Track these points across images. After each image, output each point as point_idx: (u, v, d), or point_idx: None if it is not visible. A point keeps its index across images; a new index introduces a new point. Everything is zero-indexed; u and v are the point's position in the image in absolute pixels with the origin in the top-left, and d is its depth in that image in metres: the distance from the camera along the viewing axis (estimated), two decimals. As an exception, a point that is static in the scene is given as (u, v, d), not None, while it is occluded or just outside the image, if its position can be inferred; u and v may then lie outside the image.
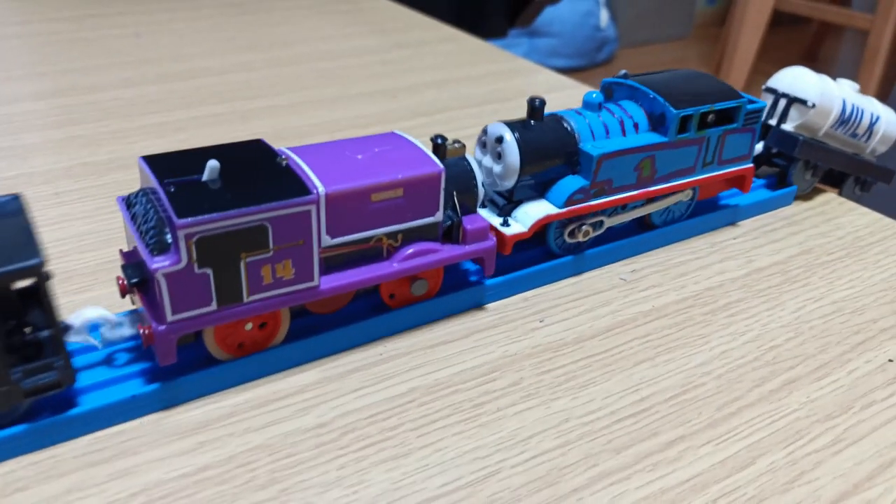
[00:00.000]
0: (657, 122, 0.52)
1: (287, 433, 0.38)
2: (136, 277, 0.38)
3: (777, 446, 0.39)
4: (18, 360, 0.35)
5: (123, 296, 0.40)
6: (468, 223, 0.45)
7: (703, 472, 0.37)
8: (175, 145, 0.68)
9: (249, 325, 0.41)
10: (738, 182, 0.58)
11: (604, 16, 2.48)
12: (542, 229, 0.50)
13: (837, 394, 0.42)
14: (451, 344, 0.45)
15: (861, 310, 0.50)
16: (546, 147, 0.49)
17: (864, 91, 0.68)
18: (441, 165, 0.43)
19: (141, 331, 0.37)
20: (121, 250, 0.42)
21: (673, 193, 0.55)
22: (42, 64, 0.90)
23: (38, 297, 0.34)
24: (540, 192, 0.50)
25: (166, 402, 0.39)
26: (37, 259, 0.33)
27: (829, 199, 0.65)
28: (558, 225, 0.50)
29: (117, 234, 0.55)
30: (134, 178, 0.64)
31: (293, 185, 0.38)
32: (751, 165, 0.58)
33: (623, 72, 0.55)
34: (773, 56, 2.47)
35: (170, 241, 0.36)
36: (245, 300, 0.39)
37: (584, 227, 0.51)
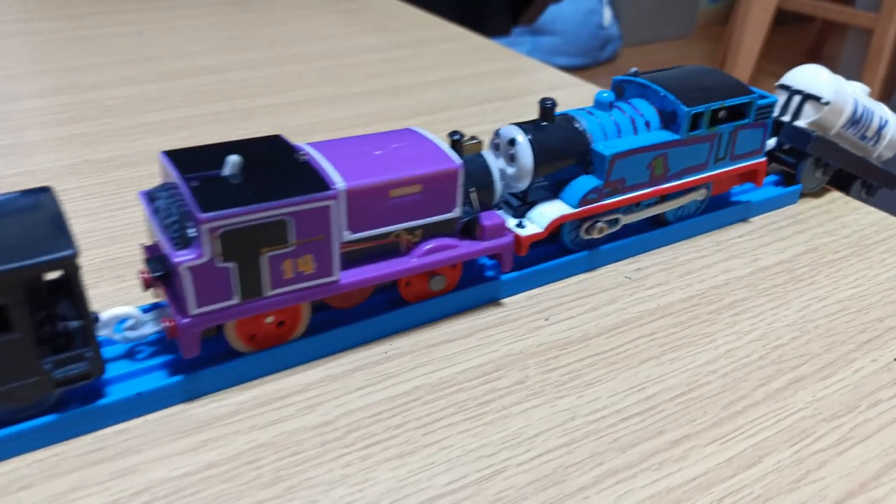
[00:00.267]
0: (669, 120, 0.52)
1: (292, 431, 0.38)
2: (160, 271, 0.39)
3: (783, 445, 0.38)
4: (48, 351, 0.35)
5: (146, 289, 0.40)
6: (486, 219, 0.45)
7: (708, 471, 0.37)
8: (176, 143, 0.68)
9: (270, 319, 0.41)
10: (752, 176, 0.58)
11: (607, 14, 2.48)
12: (556, 227, 0.50)
13: (843, 393, 0.42)
14: (455, 342, 0.45)
15: (867, 309, 0.50)
16: (558, 148, 0.49)
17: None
18: (459, 161, 0.43)
19: (164, 324, 0.38)
20: (142, 244, 0.42)
21: (688, 192, 0.55)
22: (43, 62, 0.90)
23: (69, 288, 0.35)
24: (553, 192, 0.51)
25: (190, 394, 0.40)
26: (70, 250, 0.33)
27: (835, 198, 0.64)
28: (573, 223, 0.51)
29: (120, 232, 0.55)
30: (136, 176, 0.64)
31: (313, 180, 0.39)
32: (763, 160, 0.58)
33: (634, 69, 0.55)
34: (776, 55, 2.47)
35: (192, 235, 0.36)
36: (266, 294, 0.39)
37: (599, 224, 0.51)
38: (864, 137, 0.63)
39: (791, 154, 0.63)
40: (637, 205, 0.53)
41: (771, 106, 0.56)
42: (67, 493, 0.34)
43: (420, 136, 0.46)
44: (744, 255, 0.55)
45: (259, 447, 0.37)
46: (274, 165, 0.40)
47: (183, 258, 0.36)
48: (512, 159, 0.48)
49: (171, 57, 0.94)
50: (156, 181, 0.62)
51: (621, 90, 0.55)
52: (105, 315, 0.38)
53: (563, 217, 0.49)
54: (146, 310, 0.42)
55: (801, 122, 0.61)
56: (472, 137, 0.47)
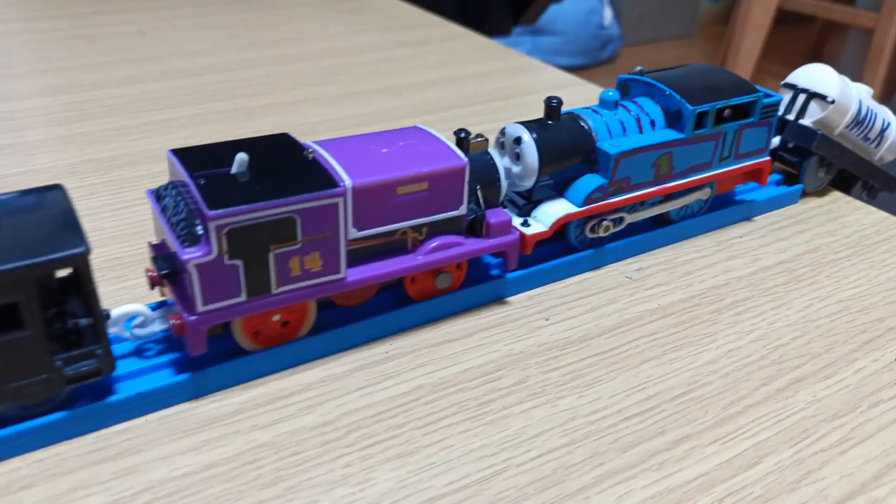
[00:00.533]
0: (674, 119, 0.52)
1: (292, 431, 0.38)
2: (167, 269, 0.39)
3: (784, 445, 0.38)
4: (59, 348, 0.35)
5: (153, 287, 0.40)
6: (492, 217, 0.46)
7: (709, 471, 0.37)
8: (178, 142, 0.68)
9: (277, 317, 0.41)
10: (756, 175, 0.58)
11: (607, 14, 2.47)
12: (561, 226, 0.50)
13: (844, 393, 0.42)
14: (456, 342, 0.45)
15: (868, 309, 0.50)
16: (564, 146, 0.49)
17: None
18: (465, 159, 0.43)
19: (172, 321, 0.38)
20: (149, 242, 0.42)
21: (692, 191, 0.55)
22: (45, 61, 0.90)
23: (80, 285, 0.35)
24: (559, 191, 0.51)
25: (197, 392, 0.40)
26: (82, 247, 0.33)
27: (836, 198, 0.64)
28: (578, 221, 0.51)
29: (122, 231, 0.55)
30: (138, 175, 0.64)
31: (321, 177, 0.39)
32: (768, 158, 0.58)
33: (639, 68, 0.55)
34: (776, 55, 2.46)
35: (200, 232, 0.37)
36: (273, 291, 0.39)
37: (604, 223, 0.51)
38: (866, 139, 0.63)
39: (795, 153, 0.63)
40: (641, 204, 0.53)
41: (776, 105, 0.56)
42: (69, 493, 0.34)
43: (427, 133, 0.46)
44: (745, 255, 0.55)
45: (260, 447, 0.37)
46: (281, 163, 0.40)
47: (191, 255, 0.36)
48: (517, 158, 0.48)
49: (173, 56, 0.94)
50: (157, 180, 0.62)
51: (626, 89, 0.55)
52: (115, 312, 0.38)
53: (567, 216, 0.49)
54: (153, 308, 0.42)
55: (805, 121, 0.61)
56: (479, 135, 0.47)
